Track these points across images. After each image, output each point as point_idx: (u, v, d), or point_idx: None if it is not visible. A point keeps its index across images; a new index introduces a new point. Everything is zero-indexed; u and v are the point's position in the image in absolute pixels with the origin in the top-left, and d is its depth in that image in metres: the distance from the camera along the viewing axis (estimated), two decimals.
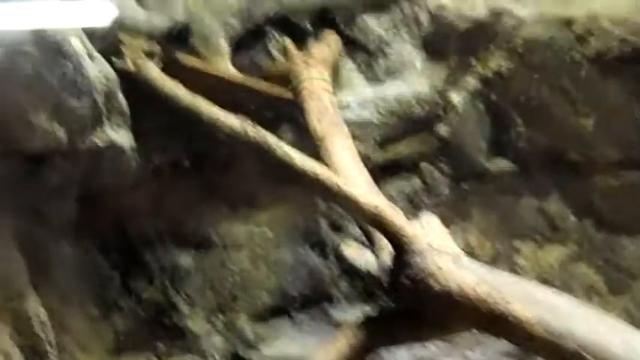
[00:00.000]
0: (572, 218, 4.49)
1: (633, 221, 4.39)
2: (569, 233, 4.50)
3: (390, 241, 3.68)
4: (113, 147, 3.47)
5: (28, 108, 2.70)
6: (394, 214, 3.66)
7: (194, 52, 4.26)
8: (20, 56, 2.54)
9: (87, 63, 3.11)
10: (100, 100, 3.22)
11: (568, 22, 4.14)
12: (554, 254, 4.52)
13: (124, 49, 3.79)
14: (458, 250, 3.69)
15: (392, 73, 4.58)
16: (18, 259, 2.98)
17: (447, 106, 4.49)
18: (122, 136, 3.57)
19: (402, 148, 4.60)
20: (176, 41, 4.10)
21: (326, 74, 4.41)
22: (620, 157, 4.30)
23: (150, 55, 3.84)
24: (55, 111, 2.88)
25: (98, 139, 3.33)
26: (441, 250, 3.57)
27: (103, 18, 3.53)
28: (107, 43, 3.81)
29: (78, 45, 3.07)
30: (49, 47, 2.71)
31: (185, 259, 4.57)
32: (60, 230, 3.48)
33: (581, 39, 4.12)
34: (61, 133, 2.96)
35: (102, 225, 4.15)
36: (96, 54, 3.31)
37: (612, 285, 4.43)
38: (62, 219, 3.48)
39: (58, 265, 3.38)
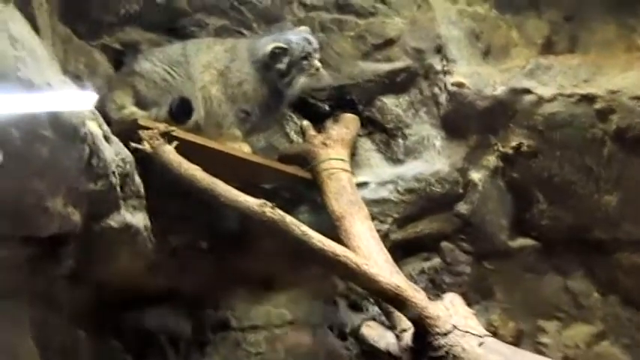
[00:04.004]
0: (597, 296, 4.46)
1: None
2: (594, 311, 4.47)
3: (413, 322, 3.64)
4: (129, 229, 3.42)
5: (45, 193, 2.64)
6: (416, 295, 3.63)
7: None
8: (38, 141, 2.49)
9: (104, 146, 3.07)
10: (116, 182, 3.18)
11: (589, 99, 4.14)
12: (579, 333, 4.48)
13: (141, 132, 3.79)
14: (482, 331, 3.65)
15: (411, 152, 4.57)
16: (32, 348, 2.92)
17: (468, 184, 4.48)
18: (138, 218, 3.52)
19: (422, 227, 4.57)
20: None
21: (344, 154, 4.41)
22: None
23: (167, 136, 3.83)
24: (70, 195, 2.82)
25: (113, 222, 3.28)
26: (466, 332, 3.53)
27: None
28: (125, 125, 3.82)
29: (94, 128, 3.04)
30: (66, 131, 2.66)
31: (201, 341, 4.53)
32: (74, 316, 3.43)
33: (602, 116, 4.11)
34: (76, 216, 2.90)
35: (117, 308, 4.12)
36: (112, 137, 3.28)
37: None
38: (77, 305, 3.43)
39: (73, 354, 3.32)
